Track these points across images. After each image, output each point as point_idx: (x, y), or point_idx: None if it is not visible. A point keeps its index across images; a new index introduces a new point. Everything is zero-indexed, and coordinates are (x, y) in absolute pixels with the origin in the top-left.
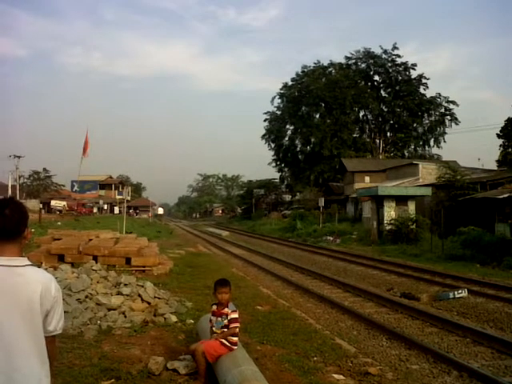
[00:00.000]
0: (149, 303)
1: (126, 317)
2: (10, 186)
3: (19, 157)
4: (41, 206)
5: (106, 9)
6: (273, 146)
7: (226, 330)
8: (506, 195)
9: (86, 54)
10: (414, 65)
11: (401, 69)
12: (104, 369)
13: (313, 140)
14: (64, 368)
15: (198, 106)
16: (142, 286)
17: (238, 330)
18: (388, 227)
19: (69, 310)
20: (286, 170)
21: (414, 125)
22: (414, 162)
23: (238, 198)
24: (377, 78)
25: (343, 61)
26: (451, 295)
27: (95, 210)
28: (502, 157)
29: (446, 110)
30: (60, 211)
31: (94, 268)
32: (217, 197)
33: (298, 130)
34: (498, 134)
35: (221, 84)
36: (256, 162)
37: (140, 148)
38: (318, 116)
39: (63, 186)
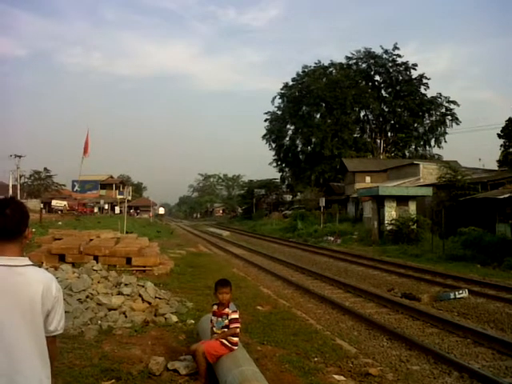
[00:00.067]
0: (149, 303)
1: (126, 317)
2: (10, 185)
3: (20, 156)
4: (41, 205)
5: (106, 9)
6: (273, 145)
7: (226, 330)
8: (506, 195)
9: (86, 53)
10: (415, 65)
11: (401, 69)
12: (104, 369)
13: (313, 140)
14: (64, 368)
15: (198, 106)
16: (143, 286)
17: (238, 330)
18: (389, 227)
19: (69, 309)
20: (286, 169)
21: (415, 125)
22: (415, 162)
23: (239, 197)
24: (377, 77)
25: (344, 61)
26: (452, 296)
27: (96, 209)
28: (503, 157)
29: (446, 109)
30: (61, 211)
31: (94, 268)
32: (217, 197)
33: (298, 130)
34: (498, 134)
35: (221, 84)
36: (257, 162)
37: (141, 148)
38: (318, 116)
39: (64, 185)
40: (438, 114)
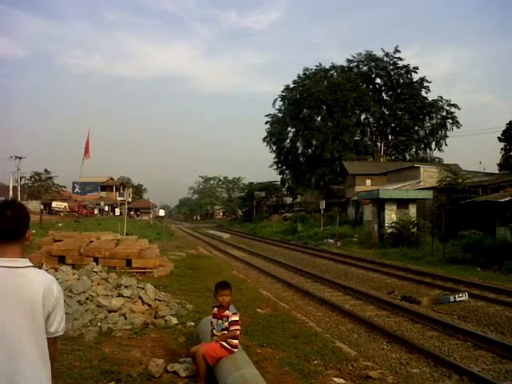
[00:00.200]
0: (149, 305)
1: (126, 319)
2: (11, 187)
3: (20, 158)
4: (42, 207)
5: (107, 10)
6: (274, 148)
7: (226, 332)
8: (507, 199)
9: (86, 55)
10: (416, 68)
11: (402, 72)
12: (104, 371)
13: (314, 143)
14: (64, 370)
15: (198, 108)
16: (143, 288)
17: (238, 332)
18: (389, 230)
19: (69, 311)
20: (287, 172)
21: (416, 128)
22: (416, 165)
23: (239, 200)
24: (378, 80)
25: (345, 64)
26: (452, 299)
27: (96, 211)
28: (504, 160)
29: (447, 113)
30: (61, 212)
31: (94, 270)
32: (218, 199)
33: (299, 133)
34: (499, 138)
35: (221, 86)
36: (257, 165)
37: (141, 150)
38: (319, 119)
39: (64, 187)
40: (439, 117)
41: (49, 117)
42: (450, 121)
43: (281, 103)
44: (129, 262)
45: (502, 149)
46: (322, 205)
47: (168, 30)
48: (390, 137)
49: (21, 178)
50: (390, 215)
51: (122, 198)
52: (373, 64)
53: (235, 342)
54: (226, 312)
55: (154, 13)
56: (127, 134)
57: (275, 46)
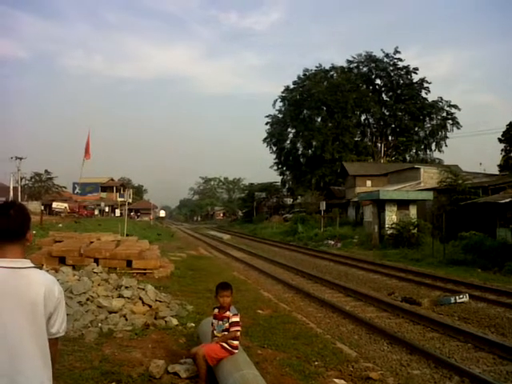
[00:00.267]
0: (150, 306)
1: (127, 320)
2: (11, 187)
3: (21, 158)
4: (42, 207)
5: (108, 11)
6: (274, 149)
7: (227, 333)
8: (507, 200)
9: (87, 56)
10: (416, 69)
11: (402, 72)
12: (105, 372)
13: (314, 143)
14: (65, 371)
15: (198, 109)
16: (143, 289)
17: (239, 333)
18: (389, 231)
19: (70, 312)
20: (287, 173)
21: (416, 129)
22: (416, 166)
23: (240, 201)
24: (378, 81)
25: (345, 64)
26: (452, 300)
27: (96, 212)
28: (504, 161)
29: (447, 114)
30: (61, 213)
31: (95, 270)
32: (218, 200)
33: (299, 134)
34: (499, 139)
35: (222, 87)
36: (257, 165)
37: (141, 150)
38: (319, 119)
39: (65, 187)
40: (439, 117)
41: (49, 117)
42: (450, 122)
43: (281, 104)
44: (129, 263)
45: (502, 150)
46: (323, 206)
47: (168, 30)
48: (390, 138)
49: (21, 179)
50: (391, 216)
51: (122, 199)
52: (373, 65)
53: (236, 343)
54: (227, 313)
55: (154, 14)
56: (128, 135)
57: (275, 47)
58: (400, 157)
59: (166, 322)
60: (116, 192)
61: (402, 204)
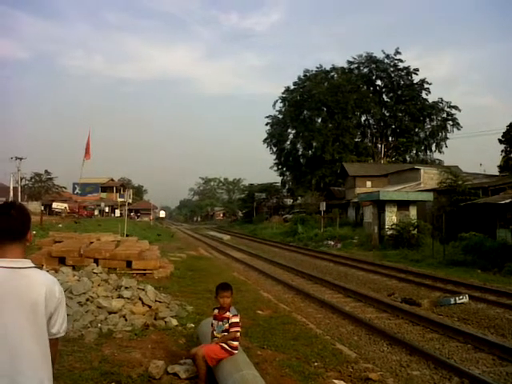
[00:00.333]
0: (149, 307)
1: (126, 320)
2: (11, 187)
3: (21, 159)
4: (42, 208)
5: (108, 12)
6: (274, 149)
7: (226, 333)
8: (507, 201)
9: (87, 56)
10: (416, 70)
11: (403, 74)
12: (104, 372)
13: (314, 144)
14: (64, 371)
15: (199, 110)
16: (143, 290)
17: (238, 334)
18: (389, 232)
19: (70, 312)
20: (287, 173)
21: (416, 130)
22: (416, 167)
23: (240, 201)
24: (379, 82)
25: (345, 65)
26: (452, 301)
27: (96, 212)
28: (504, 162)
29: (447, 114)
30: (61, 213)
31: (94, 271)
32: (218, 200)
33: (299, 134)
34: (499, 140)
35: (222, 87)
36: (258, 166)
37: (142, 151)
38: (319, 120)
39: (65, 188)
40: (439, 118)
41: (49, 118)
42: (450, 122)
43: (281, 105)
44: (129, 264)
45: (502, 151)
46: (323, 206)
47: (170, 31)
48: (390, 138)
49: (21, 179)
50: (391, 217)
51: (122, 199)
52: (373, 66)
53: (235, 343)
54: (227, 314)
55: (155, 14)
56: (128, 135)
57: (276, 48)
58: (400, 157)
59: (165, 322)
60: (116, 192)
61: (402, 205)
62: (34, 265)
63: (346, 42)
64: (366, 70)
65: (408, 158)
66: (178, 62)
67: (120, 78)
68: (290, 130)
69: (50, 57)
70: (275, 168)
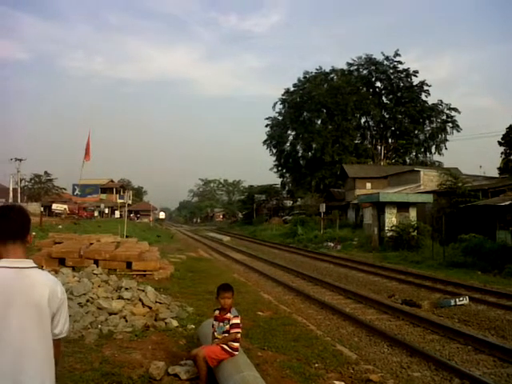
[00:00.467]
0: (150, 308)
1: (127, 321)
2: (11, 189)
3: (20, 160)
4: (42, 209)
5: (109, 13)
6: (274, 151)
7: (227, 335)
8: (507, 203)
9: (88, 57)
10: (416, 71)
11: (402, 75)
12: (105, 373)
13: (314, 146)
14: (65, 372)
15: (199, 111)
16: (143, 291)
17: (239, 335)
18: (389, 234)
19: (70, 313)
20: (287, 175)
21: (416, 131)
22: (416, 169)
23: (239, 203)
24: (378, 84)
25: (345, 67)
26: (452, 302)
27: (96, 213)
28: (504, 164)
29: (447, 116)
30: (61, 215)
31: (94, 272)
32: (218, 202)
33: (299, 136)
34: (499, 142)
35: (222, 89)
36: (257, 168)
37: (141, 152)
38: (319, 122)
39: (64, 189)
40: (439, 120)
41: (49, 119)
42: (450, 124)
43: (281, 106)
44: (129, 265)
45: (502, 153)
46: (322, 208)
47: (170, 33)
48: (390, 140)
49: (21, 180)
50: (390, 219)
51: (122, 201)
52: (373, 67)
53: (236, 344)
54: (228, 315)
55: (156, 16)
56: (128, 136)
57: (275, 49)
58: (400, 159)
59: (166, 323)
60: (116, 193)
61: (402, 206)
62: (35, 265)
63: (345, 44)
64: (365, 71)
65: (408, 160)
66: (177, 63)
67: (120, 78)
68: (289, 132)
69: (50, 57)
70: (275, 169)
